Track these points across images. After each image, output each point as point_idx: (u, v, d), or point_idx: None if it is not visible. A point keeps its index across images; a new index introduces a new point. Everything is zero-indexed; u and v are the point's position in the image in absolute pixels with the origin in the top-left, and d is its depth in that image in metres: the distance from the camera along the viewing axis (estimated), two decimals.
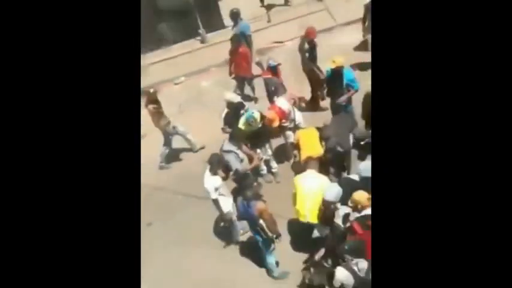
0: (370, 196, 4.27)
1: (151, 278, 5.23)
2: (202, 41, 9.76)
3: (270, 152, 6.30)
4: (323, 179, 5.06)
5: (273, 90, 6.51)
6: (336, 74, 6.05)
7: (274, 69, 6.62)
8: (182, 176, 6.83)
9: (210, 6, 10.29)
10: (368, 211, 4.23)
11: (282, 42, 9.20)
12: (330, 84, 6.35)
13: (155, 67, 9.58)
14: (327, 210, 4.69)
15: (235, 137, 5.60)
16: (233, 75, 7.76)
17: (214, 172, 5.16)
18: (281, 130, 6.28)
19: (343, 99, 6.14)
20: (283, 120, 6.08)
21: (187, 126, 7.49)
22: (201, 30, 9.68)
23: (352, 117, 6.23)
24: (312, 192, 4.86)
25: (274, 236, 4.73)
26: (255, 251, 5.19)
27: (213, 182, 5.11)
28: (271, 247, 4.84)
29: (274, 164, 6.42)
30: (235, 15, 8.14)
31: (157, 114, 6.66)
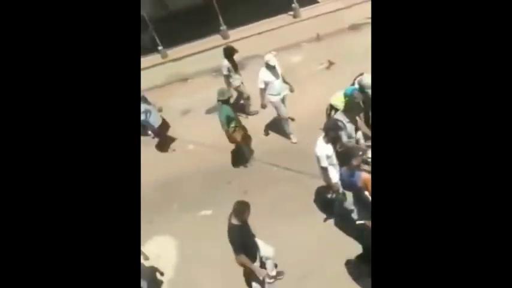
0: None
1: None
2: (295, 16, 9.70)
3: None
4: None
5: None
6: None
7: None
8: (279, 147, 6.99)
9: None
10: None
11: None
12: None
13: (245, 42, 9.79)
14: None
15: (352, 109, 5.37)
16: None
17: (328, 140, 5.01)
18: None
19: None
20: None
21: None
22: (295, 5, 9.61)
23: None
24: None
25: None
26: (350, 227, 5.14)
27: (325, 149, 4.97)
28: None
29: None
30: None
31: None
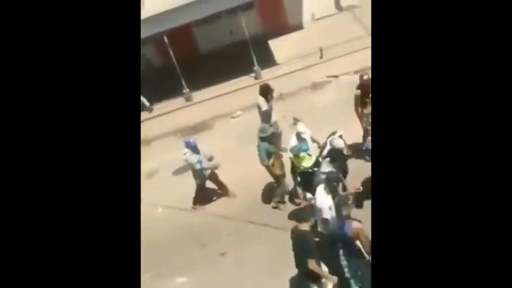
0: None
1: None
2: (256, 77, 10.05)
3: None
4: None
5: None
6: None
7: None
8: (251, 204, 6.82)
9: (263, 45, 10.74)
10: None
11: (336, 76, 9.34)
12: None
13: (211, 102, 9.93)
14: None
15: (335, 159, 5.48)
16: None
17: (328, 190, 4.92)
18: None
19: None
20: None
21: (247, 156, 7.56)
22: (256, 67, 9.99)
23: None
24: None
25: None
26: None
27: (328, 200, 4.85)
28: (366, 271, 4.57)
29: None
30: None
31: (362, 102, 6.54)
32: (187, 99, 10.25)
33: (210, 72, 10.58)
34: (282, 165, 6.46)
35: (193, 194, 7.28)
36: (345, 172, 5.95)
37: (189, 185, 7.83)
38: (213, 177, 7.08)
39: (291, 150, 6.03)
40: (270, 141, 6.28)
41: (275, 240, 6.01)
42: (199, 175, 6.95)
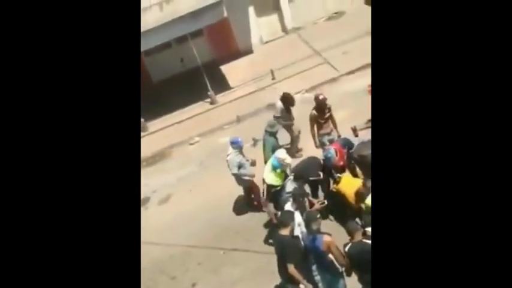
0: None
1: None
2: (212, 102, 10.10)
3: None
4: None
5: None
6: None
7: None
8: (219, 229, 6.73)
9: (215, 70, 10.87)
10: None
11: None
12: None
13: (167, 130, 9.82)
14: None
15: (301, 176, 5.61)
16: None
17: (296, 207, 4.97)
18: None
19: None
20: (341, 162, 5.76)
21: (210, 181, 7.47)
22: (210, 92, 10.05)
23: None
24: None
25: (343, 269, 4.50)
26: None
27: (296, 217, 4.85)
28: (340, 283, 4.61)
29: None
30: None
31: (317, 123, 6.63)
32: (143, 130, 10.04)
33: (164, 100, 10.52)
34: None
35: (154, 227, 7.10)
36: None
37: (150, 217, 7.61)
38: (251, 187, 6.56)
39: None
40: (276, 137, 6.46)
41: (247, 263, 5.95)
42: (240, 180, 6.46)
